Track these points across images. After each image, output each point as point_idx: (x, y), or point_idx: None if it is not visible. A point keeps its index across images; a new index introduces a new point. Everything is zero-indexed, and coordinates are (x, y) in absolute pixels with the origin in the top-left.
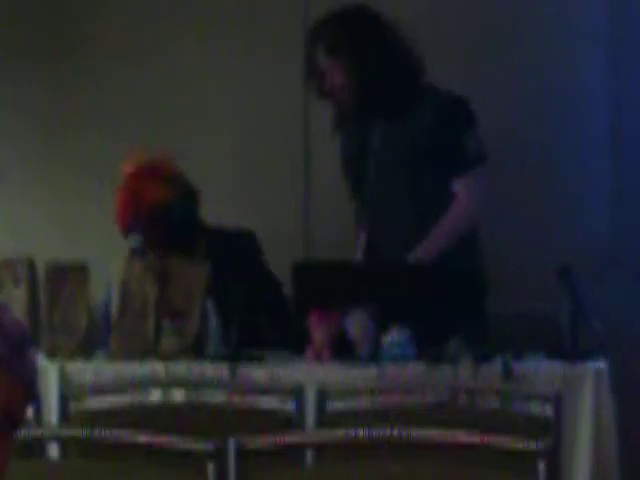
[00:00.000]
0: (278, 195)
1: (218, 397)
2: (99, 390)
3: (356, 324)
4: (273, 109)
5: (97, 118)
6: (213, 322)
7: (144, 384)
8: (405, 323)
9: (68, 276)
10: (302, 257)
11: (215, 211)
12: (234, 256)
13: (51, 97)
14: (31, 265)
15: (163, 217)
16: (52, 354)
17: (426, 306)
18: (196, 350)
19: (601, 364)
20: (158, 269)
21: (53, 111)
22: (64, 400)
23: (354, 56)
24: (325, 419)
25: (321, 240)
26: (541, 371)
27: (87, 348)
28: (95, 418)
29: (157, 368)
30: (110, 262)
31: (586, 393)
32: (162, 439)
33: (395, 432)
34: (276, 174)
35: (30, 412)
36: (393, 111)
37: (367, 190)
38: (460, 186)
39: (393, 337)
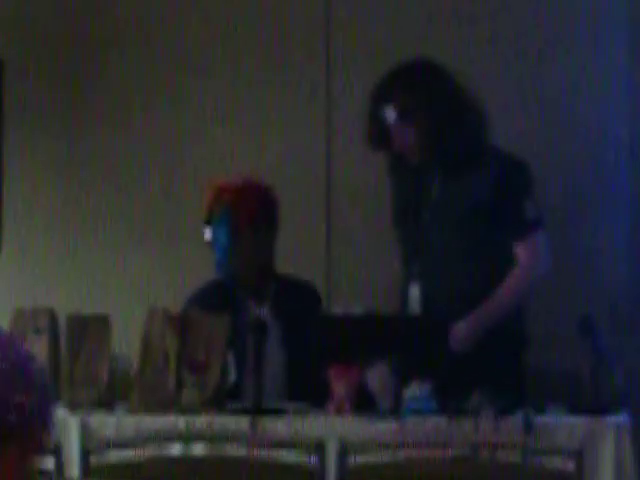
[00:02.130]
0: (300, 240)
1: (239, 451)
2: (120, 443)
3: (377, 377)
4: (296, 148)
5: (118, 166)
6: (233, 375)
7: (165, 437)
8: (426, 376)
9: (89, 328)
10: (324, 307)
11: None
12: (299, 305)
13: (70, 146)
14: (52, 316)
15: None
16: (73, 407)
17: (449, 359)
18: (217, 403)
19: (623, 418)
20: (179, 321)
21: (73, 160)
22: (85, 453)
23: (426, 118)
24: (346, 473)
25: (342, 289)
26: (562, 425)
27: (108, 401)
28: (116, 471)
29: (178, 421)
30: (131, 314)
31: (608, 447)
32: None
33: None
34: (297, 217)
35: (52, 465)
36: (457, 168)
37: (421, 242)
38: (521, 250)
39: (414, 390)
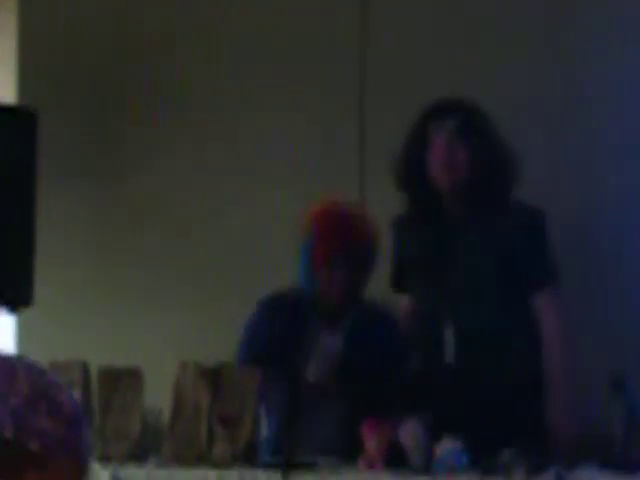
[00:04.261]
0: None
1: None
2: None
3: (409, 433)
4: (327, 182)
5: (153, 216)
6: (265, 429)
7: None
8: (458, 432)
9: (121, 381)
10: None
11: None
12: (375, 339)
13: (104, 194)
14: (85, 369)
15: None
16: (105, 459)
17: (480, 415)
18: (248, 457)
19: None
20: (211, 374)
21: (107, 210)
22: None
23: (475, 161)
24: None
25: None
26: None
27: (140, 454)
28: None
29: (209, 475)
30: (164, 367)
31: None
32: None
33: None
34: None
35: None
36: (489, 215)
37: (453, 289)
38: (543, 304)
39: (446, 446)
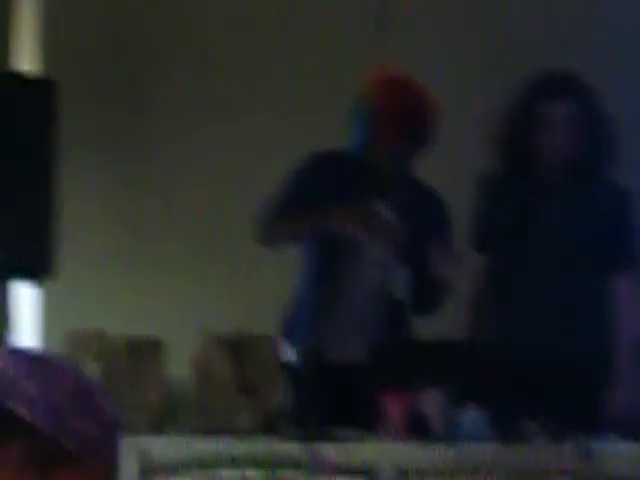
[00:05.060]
0: None
1: (295, 476)
2: (174, 467)
3: (431, 402)
4: None
5: (173, 188)
6: (287, 398)
7: (219, 462)
8: (481, 402)
9: (142, 351)
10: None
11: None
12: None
13: (125, 167)
14: (105, 340)
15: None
16: (126, 430)
17: (504, 386)
18: (272, 427)
19: None
20: (233, 344)
21: (127, 182)
22: (139, 477)
23: (583, 127)
24: None
25: None
26: (620, 452)
27: (161, 424)
28: None
29: (232, 445)
30: (186, 337)
31: None
32: None
33: None
34: None
35: None
36: (582, 187)
37: (532, 261)
38: (622, 284)
39: (468, 416)
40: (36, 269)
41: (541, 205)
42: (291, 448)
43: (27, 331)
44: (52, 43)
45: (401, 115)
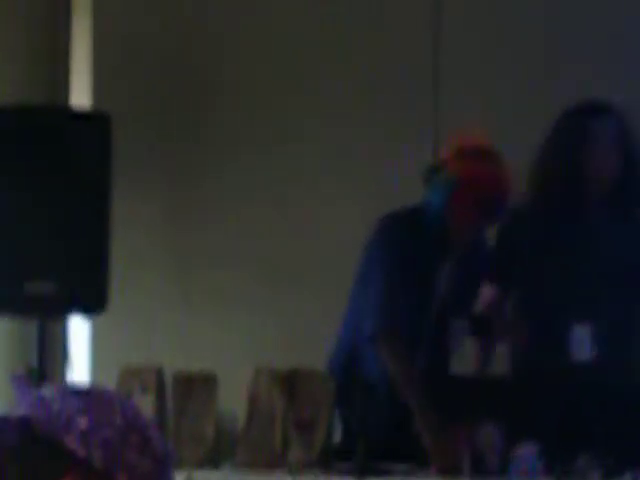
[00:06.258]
0: None
1: None
2: None
3: (485, 437)
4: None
5: (227, 216)
6: (339, 434)
7: None
8: (534, 437)
9: (196, 386)
10: None
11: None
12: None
13: (178, 197)
14: (159, 374)
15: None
16: (179, 464)
17: (557, 420)
18: (323, 462)
19: None
20: (286, 379)
21: (181, 213)
22: None
23: (627, 151)
24: None
25: None
26: None
27: (214, 459)
28: None
29: None
30: (239, 372)
31: None
32: None
33: None
34: None
35: None
36: (625, 213)
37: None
38: None
39: (521, 451)
40: (92, 303)
41: (583, 231)
42: None
43: (82, 365)
44: (104, 78)
45: (484, 200)
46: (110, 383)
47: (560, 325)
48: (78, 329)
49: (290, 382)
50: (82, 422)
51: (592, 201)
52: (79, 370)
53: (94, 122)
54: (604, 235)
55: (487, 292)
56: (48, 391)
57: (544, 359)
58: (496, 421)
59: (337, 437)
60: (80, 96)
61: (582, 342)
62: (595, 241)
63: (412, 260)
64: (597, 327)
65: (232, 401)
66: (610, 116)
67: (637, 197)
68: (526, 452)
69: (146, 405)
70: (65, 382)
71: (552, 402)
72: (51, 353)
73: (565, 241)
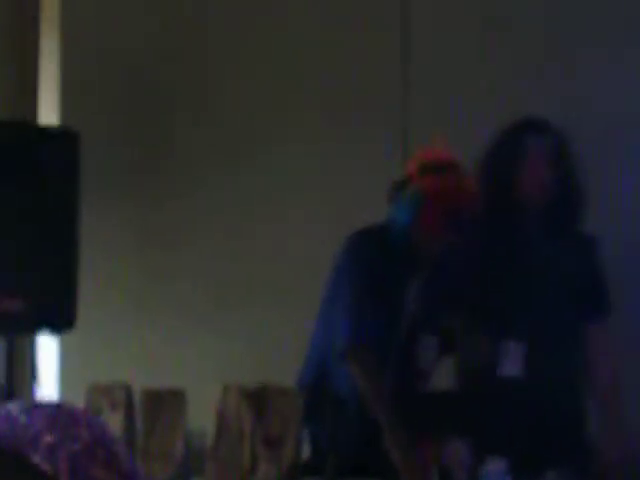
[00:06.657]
0: None
1: None
2: None
3: (453, 453)
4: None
5: (194, 235)
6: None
7: None
8: (502, 453)
9: (165, 403)
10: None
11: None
12: None
13: (146, 215)
14: (128, 391)
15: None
16: None
17: (524, 436)
18: (292, 479)
19: None
20: (254, 396)
21: (149, 230)
22: None
23: (563, 167)
24: None
25: None
26: None
27: (183, 475)
28: None
29: None
30: (207, 389)
31: None
32: None
33: None
34: None
35: None
36: (560, 229)
37: (525, 299)
38: (599, 337)
39: (490, 467)
40: (60, 321)
41: (520, 249)
42: None
43: (50, 383)
44: (73, 95)
45: (451, 212)
46: (79, 401)
47: (493, 341)
48: (46, 346)
49: (259, 398)
50: (48, 437)
51: (528, 216)
52: (47, 388)
53: (62, 139)
54: (540, 251)
55: None
56: (15, 406)
57: (475, 375)
58: (464, 437)
59: (305, 453)
60: (48, 113)
61: (514, 358)
62: (530, 257)
63: (381, 277)
64: (531, 343)
65: (201, 418)
66: (546, 133)
67: (573, 213)
68: (495, 468)
69: (115, 422)
70: (33, 399)
71: (513, 417)
72: (19, 370)
73: (501, 256)
